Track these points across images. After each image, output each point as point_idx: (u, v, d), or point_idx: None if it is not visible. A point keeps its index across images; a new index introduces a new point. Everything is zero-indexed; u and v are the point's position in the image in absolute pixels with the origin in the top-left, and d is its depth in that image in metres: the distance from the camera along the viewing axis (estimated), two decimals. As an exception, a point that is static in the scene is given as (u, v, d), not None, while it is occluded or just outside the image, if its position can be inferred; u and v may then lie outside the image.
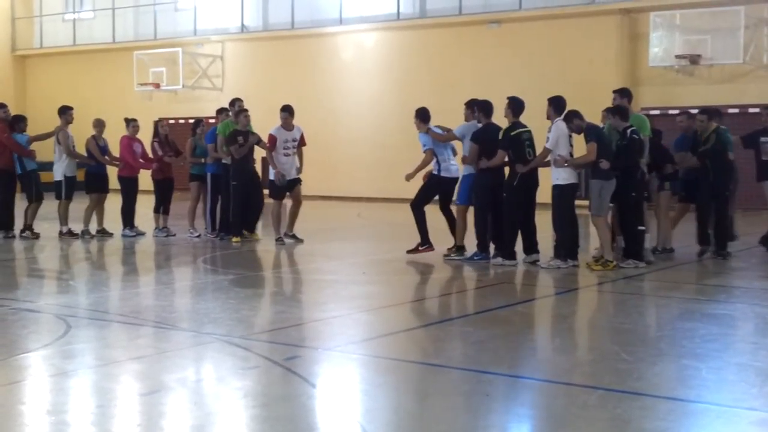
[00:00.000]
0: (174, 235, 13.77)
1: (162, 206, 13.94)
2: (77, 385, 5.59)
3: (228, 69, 26.70)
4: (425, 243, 11.44)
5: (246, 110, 13.10)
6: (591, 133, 10.29)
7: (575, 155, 10.49)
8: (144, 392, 5.38)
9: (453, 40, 23.03)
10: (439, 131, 11.41)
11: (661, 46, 20.32)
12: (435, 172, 11.42)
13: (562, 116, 10.46)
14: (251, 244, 12.86)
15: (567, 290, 9.54)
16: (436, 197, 11.60)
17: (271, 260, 11.85)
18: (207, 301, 8.52)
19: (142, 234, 13.87)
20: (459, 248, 11.19)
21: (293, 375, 5.69)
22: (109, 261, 12.09)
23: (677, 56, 19.98)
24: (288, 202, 13.21)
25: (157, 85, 26.93)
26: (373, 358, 6.33)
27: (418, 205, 11.50)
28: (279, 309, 8.27)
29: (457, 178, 11.44)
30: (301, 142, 12.94)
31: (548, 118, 10.59)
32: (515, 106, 10.82)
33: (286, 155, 12.76)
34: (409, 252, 11.45)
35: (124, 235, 13.74)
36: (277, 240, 12.79)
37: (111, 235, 13.75)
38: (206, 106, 26.17)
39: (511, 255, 10.74)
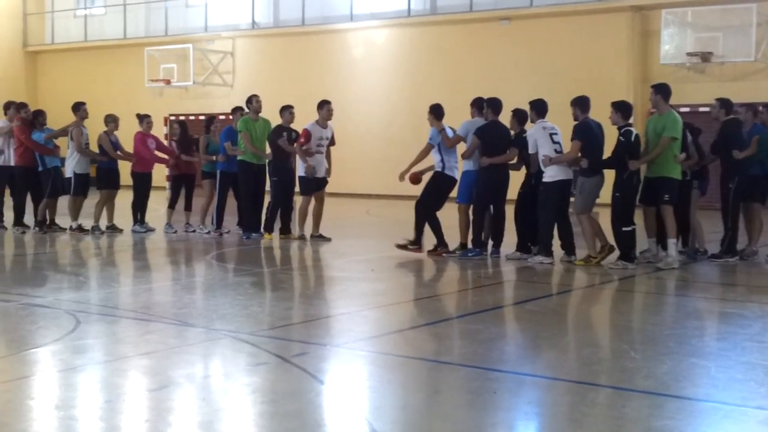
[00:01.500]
0: (194, 231, 13.68)
1: (184, 203, 13.87)
2: (86, 380, 5.60)
3: (238, 65, 26.74)
4: (440, 244, 11.40)
5: (291, 106, 12.88)
6: (577, 130, 10.27)
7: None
8: (152, 388, 5.38)
9: (463, 36, 23.01)
10: (451, 133, 11.40)
11: (672, 43, 20.26)
12: (439, 170, 11.36)
13: (545, 117, 10.64)
14: (259, 240, 12.82)
15: (575, 288, 9.52)
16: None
17: (280, 257, 11.86)
18: (216, 298, 8.52)
19: (152, 230, 13.90)
20: (463, 246, 11.17)
21: (301, 371, 5.68)
22: (118, 257, 12.11)
23: (688, 54, 19.93)
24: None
25: (168, 82, 27.01)
26: (381, 355, 6.33)
27: (427, 208, 11.33)
28: (288, 305, 8.27)
29: (457, 180, 11.43)
30: (331, 142, 12.74)
31: (531, 121, 10.71)
32: (520, 116, 11.11)
33: (318, 152, 12.54)
34: (429, 253, 11.40)
35: (134, 231, 13.77)
36: (299, 237, 12.65)
37: (121, 231, 13.78)
38: (217, 102, 26.24)
39: (548, 251, 10.70)
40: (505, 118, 11.22)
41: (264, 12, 26.25)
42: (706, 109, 14.50)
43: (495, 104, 11.10)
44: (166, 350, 6.28)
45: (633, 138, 10.08)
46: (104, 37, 29.12)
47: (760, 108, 11.74)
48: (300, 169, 12.64)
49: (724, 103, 10.99)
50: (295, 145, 12.67)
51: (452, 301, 8.87)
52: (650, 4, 20.77)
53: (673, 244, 10.31)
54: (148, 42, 27.73)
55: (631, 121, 10.34)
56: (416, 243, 11.34)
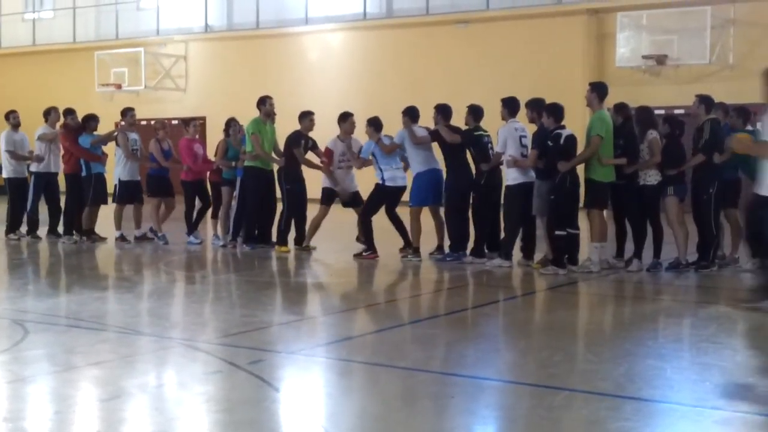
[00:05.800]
0: (224, 245, 12.60)
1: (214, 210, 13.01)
2: (35, 391, 5.47)
3: (191, 69, 26.46)
4: (370, 249, 11.37)
5: (311, 113, 12.34)
6: (536, 140, 10.15)
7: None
8: (104, 398, 5.27)
9: (420, 40, 23.01)
10: (387, 141, 11.41)
11: (628, 46, 20.41)
12: (380, 182, 11.35)
13: (516, 116, 10.57)
14: (269, 251, 12.19)
15: (533, 292, 9.54)
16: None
17: (238, 263, 11.73)
18: (170, 306, 8.40)
19: (197, 243, 12.88)
20: (416, 250, 11.14)
21: (257, 379, 5.61)
22: (103, 266, 11.75)
23: (644, 56, 20.08)
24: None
25: (119, 86, 26.63)
26: (337, 362, 6.27)
27: (365, 216, 11.40)
28: (243, 312, 8.15)
29: (403, 187, 11.37)
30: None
31: (503, 118, 10.64)
32: (476, 112, 11.02)
33: (339, 168, 11.96)
34: (355, 257, 11.41)
35: (189, 243, 12.88)
36: (310, 248, 12.10)
37: (151, 239, 13.13)
38: (169, 107, 25.93)
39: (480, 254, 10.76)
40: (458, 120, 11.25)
41: (217, 15, 26.02)
42: (662, 111, 14.59)
43: (445, 110, 11.16)
44: (118, 359, 6.16)
45: (563, 141, 9.90)
46: (53, 41, 28.61)
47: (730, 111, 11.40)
48: (324, 181, 12.03)
49: (704, 100, 10.42)
50: (321, 163, 12.09)
51: (409, 306, 8.83)
52: (606, 8, 20.93)
53: (595, 249, 10.00)
54: (98, 46, 27.31)
55: (563, 123, 10.16)
56: (369, 249, 11.38)
